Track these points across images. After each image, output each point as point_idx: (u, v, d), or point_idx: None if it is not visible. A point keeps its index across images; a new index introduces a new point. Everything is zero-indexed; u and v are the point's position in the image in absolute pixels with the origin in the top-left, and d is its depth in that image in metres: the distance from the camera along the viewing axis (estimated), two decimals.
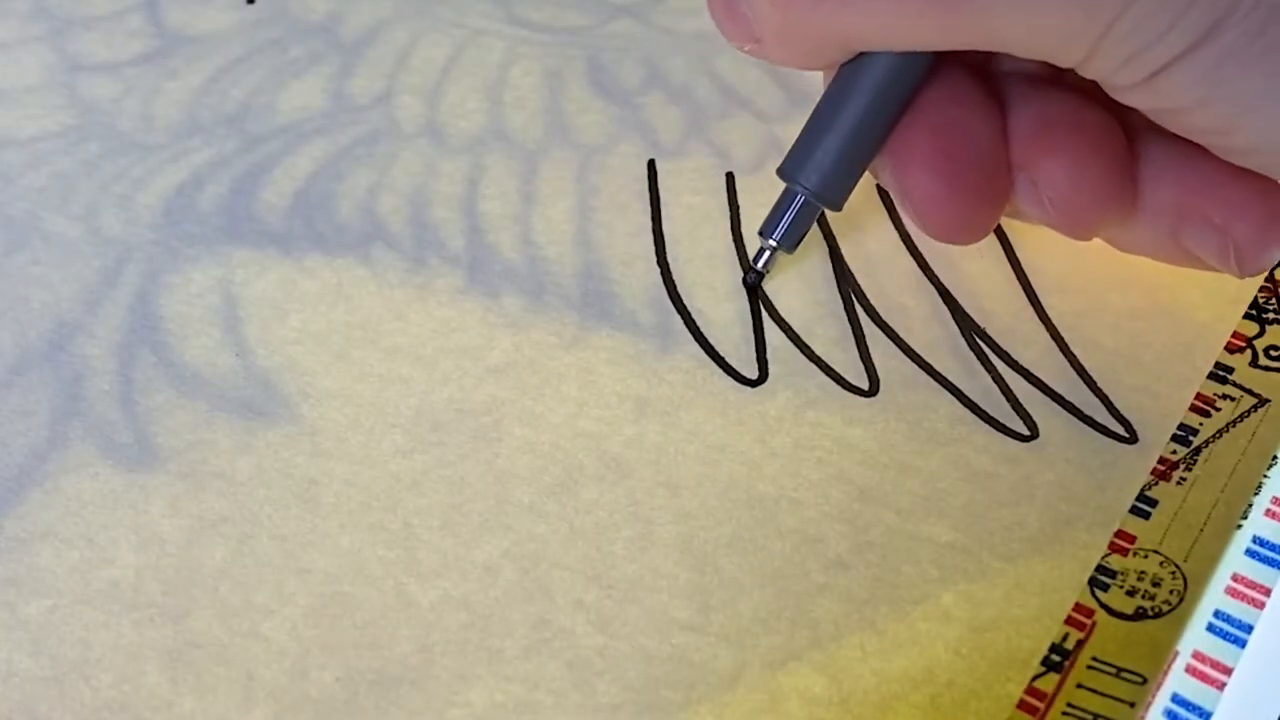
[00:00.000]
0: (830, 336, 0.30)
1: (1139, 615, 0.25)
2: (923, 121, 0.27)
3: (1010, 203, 0.28)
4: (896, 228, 0.32)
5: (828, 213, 0.32)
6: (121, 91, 0.36)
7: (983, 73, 0.28)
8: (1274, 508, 0.26)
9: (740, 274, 0.31)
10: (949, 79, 0.27)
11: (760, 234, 0.30)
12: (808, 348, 0.30)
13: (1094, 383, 0.29)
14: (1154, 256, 0.28)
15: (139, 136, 0.34)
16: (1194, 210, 0.27)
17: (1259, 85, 0.23)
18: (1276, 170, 0.25)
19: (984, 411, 0.29)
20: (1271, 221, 0.27)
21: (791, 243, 0.30)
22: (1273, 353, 0.29)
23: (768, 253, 0.30)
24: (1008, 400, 0.29)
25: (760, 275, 0.31)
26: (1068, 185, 0.27)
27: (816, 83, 0.35)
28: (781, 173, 0.29)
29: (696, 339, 0.30)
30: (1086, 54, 0.24)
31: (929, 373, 0.29)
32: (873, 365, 0.29)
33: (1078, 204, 0.27)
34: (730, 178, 0.33)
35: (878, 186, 0.33)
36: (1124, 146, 0.27)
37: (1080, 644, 0.25)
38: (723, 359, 0.30)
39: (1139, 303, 0.30)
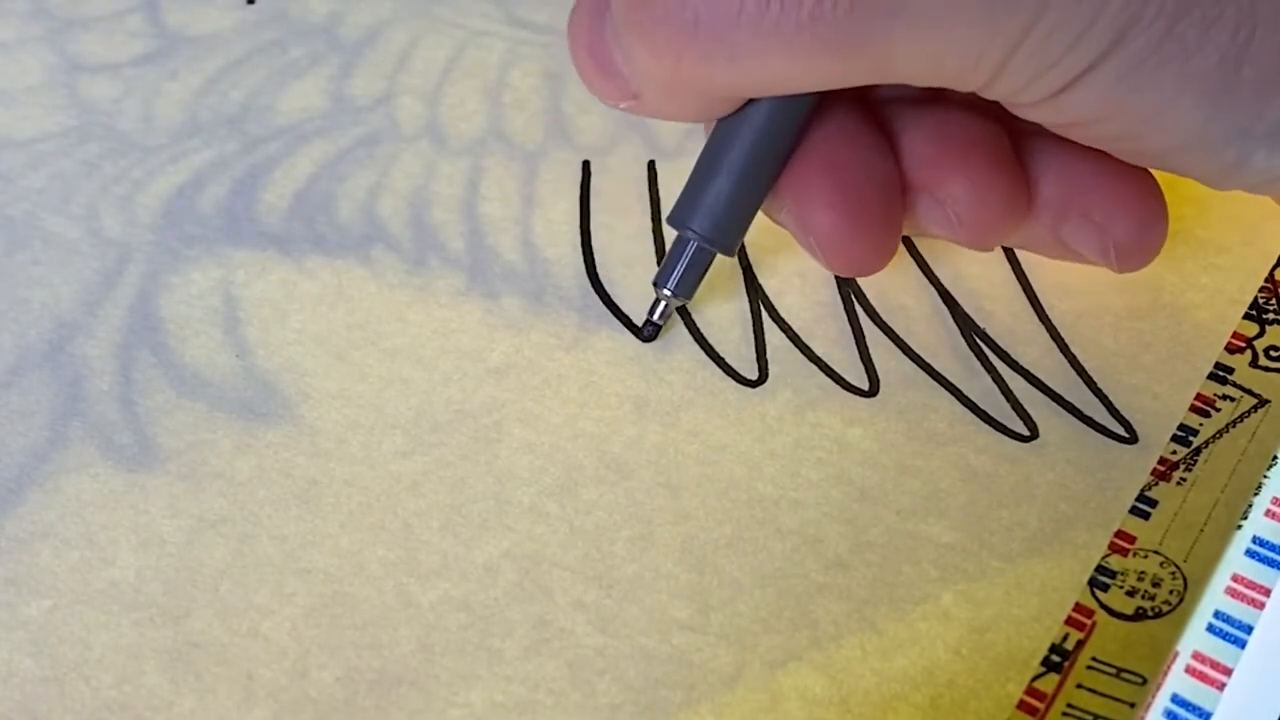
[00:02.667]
0: (830, 337, 0.30)
1: (1139, 615, 0.25)
2: (815, 158, 0.27)
3: (910, 222, 0.28)
4: None
5: None
6: (121, 92, 0.36)
7: (865, 100, 0.27)
8: (1274, 508, 0.26)
9: (741, 275, 0.31)
10: (835, 112, 0.27)
11: (654, 284, 0.29)
12: (808, 348, 0.30)
13: (1094, 383, 0.29)
14: (1035, 251, 0.29)
15: (139, 137, 0.34)
16: (1074, 208, 0.27)
17: (1163, 93, 0.23)
18: (1188, 171, 0.25)
19: (984, 412, 0.29)
20: (1149, 220, 0.27)
21: (687, 291, 0.29)
22: (1273, 353, 0.29)
23: (663, 303, 0.30)
24: (1008, 401, 0.29)
25: (657, 327, 0.30)
26: (973, 201, 0.26)
27: None
28: (671, 220, 0.28)
29: (696, 340, 0.30)
30: (991, 77, 0.23)
31: (929, 373, 0.29)
32: (873, 366, 0.29)
33: (983, 218, 0.27)
34: None
35: None
36: (1011, 154, 0.27)
37: (1080, 644, 0.25)
38: (723, 360, 0.30)
39: (1139, 303, 0.30)
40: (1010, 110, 0.25)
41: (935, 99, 0.27)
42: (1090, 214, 0.27)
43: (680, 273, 0.29)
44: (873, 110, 0.27)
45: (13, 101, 0.35)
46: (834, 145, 0.27)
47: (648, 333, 0.30)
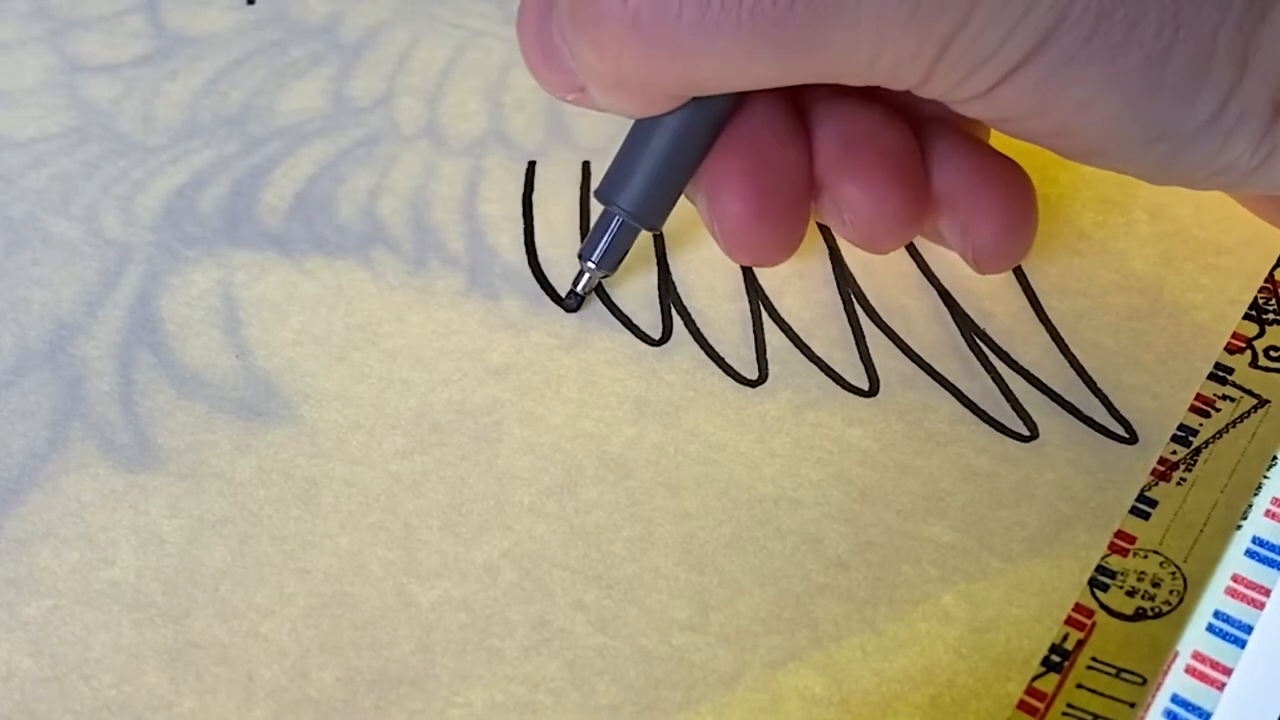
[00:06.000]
0: (830, 337, 0.30)
1: (1139, 616, 0.25)
2: (733, 147, 0.27)
3: (816, 214, 0.28)
4: None
5: None
6: (121, 92, 0.36)
7: (789, 90, 0.28)
8: (1274, 508, 0.26)
9: (741, 275, 0.31)
10: (758, 100, 0.27)
11: (580, 257, 0.30)
12: (808, 348, 0.30)
13: (1094, 383, 0.29)
14: (924, 237, 0.29)
15: (139, 138, 0.34)
16: (947, 204, 0.28)
17: (1090, 90, 0.23)
18: (1124, 168, 0.26)
19: (984, 412, 0.29)
20: (1009, 229, 0.28)
21: (611, 264, 0.30)
22: (1272, 353, 0.29)
23: (587, 275, 0.30)
24: (1008, 401, 0.29)
25: (580, 298, 0.30)
26: (868, 208, 0.27)
27: None
28: (598, 195, 0.29)
29: (696, 340, 0.30)
30: (924, 76, 0.24)
31: (929, 373, 0.29)
32: (873, 365, 0.29)
33: (876, 226, 0.27)
34: None
35: None
36: (919, 158, 0.28)
37: (1080, 644, 0.25)
38: (723, 359, 0.30)
39: (1139, 303, 0.30)
40: (951, 108, 0.25)
41: (853, 92, 0.28)
42: (959, 213, 0.28)
43: (605, 247, 0.30)
44: (795, 98, 0.28)
45: (13, 102, 0.35)
46: (753, 135, 0.27)
47: (570, 303, 0.31)
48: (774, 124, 0.27)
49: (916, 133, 0.28)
